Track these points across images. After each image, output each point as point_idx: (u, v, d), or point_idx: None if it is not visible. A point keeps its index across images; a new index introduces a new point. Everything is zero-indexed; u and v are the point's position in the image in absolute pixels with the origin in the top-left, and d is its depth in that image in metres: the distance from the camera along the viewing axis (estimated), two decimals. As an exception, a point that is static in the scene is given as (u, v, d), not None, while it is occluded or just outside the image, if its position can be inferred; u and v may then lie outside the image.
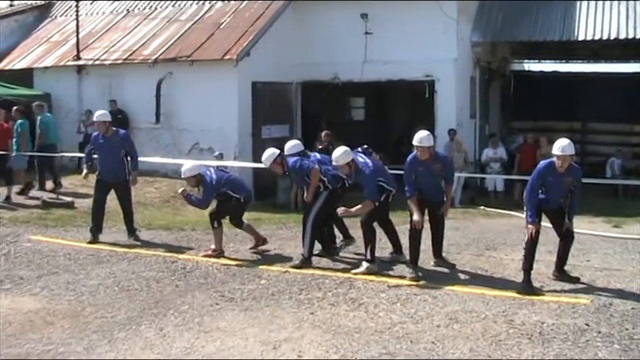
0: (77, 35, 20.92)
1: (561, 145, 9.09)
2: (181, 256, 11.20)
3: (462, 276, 10.02)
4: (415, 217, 9.76)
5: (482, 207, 16.92)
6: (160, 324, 7.74)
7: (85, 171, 12.73)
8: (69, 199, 15.69)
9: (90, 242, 11.98)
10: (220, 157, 16.49)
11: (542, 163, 9.49)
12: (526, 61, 26.43)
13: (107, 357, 6.79)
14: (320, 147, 17.88)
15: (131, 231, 12.43)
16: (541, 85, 24.14)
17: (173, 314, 8.10)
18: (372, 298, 8.81)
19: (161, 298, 8.79)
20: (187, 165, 11.57)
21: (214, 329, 7.58)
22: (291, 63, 19.54)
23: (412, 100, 21.89)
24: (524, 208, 9.37)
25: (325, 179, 10.59)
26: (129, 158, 12.38)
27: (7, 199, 15.58)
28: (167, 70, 19.18)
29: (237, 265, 10.58)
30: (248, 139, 18.66)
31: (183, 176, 11.44)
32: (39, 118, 17.33)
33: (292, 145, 11.26)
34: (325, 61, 19.43)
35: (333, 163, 10.21)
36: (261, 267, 10.47)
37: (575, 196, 9.43)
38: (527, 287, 9.09)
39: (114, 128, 12.52)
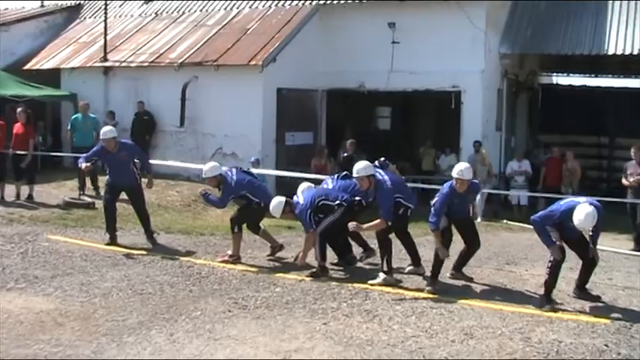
0: (105, 37, 21.03)
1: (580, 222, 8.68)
2: (198, 260, 11.15)
3: (480, 290, 9.86)
4: (440, 253, 9.68)
5: (505, 221, 16.72)
6: (170, 329, 7.66)
7: (85, 164, 12.32)
8: (90, 199, 15.69)
9: (108, 244, 11.95)
10: (257, 163, 16.35)
11: (564, 210, 9.02)
12: (554, 74, 26.17)
13: (114, 361, 6.72)
14: (345, 155, 17.84)
15: (149, 234, 12.39)
16: (569, 98, 23.79)
17: (184, 320, 8.02)
18: (387, 310, 8.68)
19: (174, 303, 8.72)
20: (208, 165, 11.54)
21: (225, 337, 7.48)
22: (317, 70, 19.52)
23: (438, 111, 21.75)
24: (538, 234, 9.17)
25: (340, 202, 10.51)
26: (136, 161, 12.36)
27: (30, 197, 15.62)
28: (193, 74, 19.22)
29: (253, 272, 10.50)
30: (272, 145, 18.65)
31: (203, 176, 11.43)
32: (80, 116, 17.53)
33: (304, 188, 11.35)
34: (351, 69, 19.34)
35: (354, 175, 10.09)
36: (277, 275, 10.39)
37: (597, 227, 9.07)
38: (545, 303, 8.90)
39: (118, 140, 12.33)
